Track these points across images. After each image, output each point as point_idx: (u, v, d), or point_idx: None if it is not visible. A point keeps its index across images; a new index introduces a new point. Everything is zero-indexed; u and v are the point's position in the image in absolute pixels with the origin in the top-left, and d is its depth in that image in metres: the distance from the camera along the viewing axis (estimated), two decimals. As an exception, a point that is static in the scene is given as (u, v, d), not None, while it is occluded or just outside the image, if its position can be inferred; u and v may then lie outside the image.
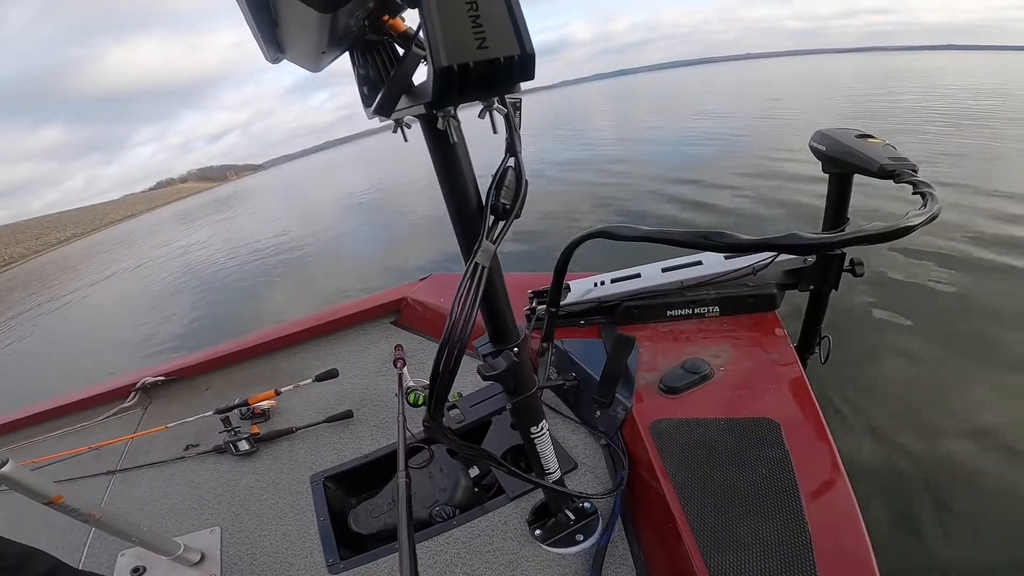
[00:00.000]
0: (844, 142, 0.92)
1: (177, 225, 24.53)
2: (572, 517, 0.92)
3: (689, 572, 0.73)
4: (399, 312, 1.80)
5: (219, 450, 1.46)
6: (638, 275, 1.24)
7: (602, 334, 1.20)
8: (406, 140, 0.59)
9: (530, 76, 0.37)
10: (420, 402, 1.26)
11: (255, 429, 1.48)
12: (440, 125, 0.47)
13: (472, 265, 0.51)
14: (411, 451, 1.25)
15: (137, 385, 1.80)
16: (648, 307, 1.18)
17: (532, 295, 1.31)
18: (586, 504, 0.94)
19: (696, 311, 1.16)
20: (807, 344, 1.19)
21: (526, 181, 0.52)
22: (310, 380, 1.53)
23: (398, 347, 1.58)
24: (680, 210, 5.55)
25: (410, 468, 1.17)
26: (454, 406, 0.78)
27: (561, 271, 1.02)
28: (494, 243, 0.51)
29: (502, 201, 0.51)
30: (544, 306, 1.20)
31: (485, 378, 0.65)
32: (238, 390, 1.66)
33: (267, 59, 0.60)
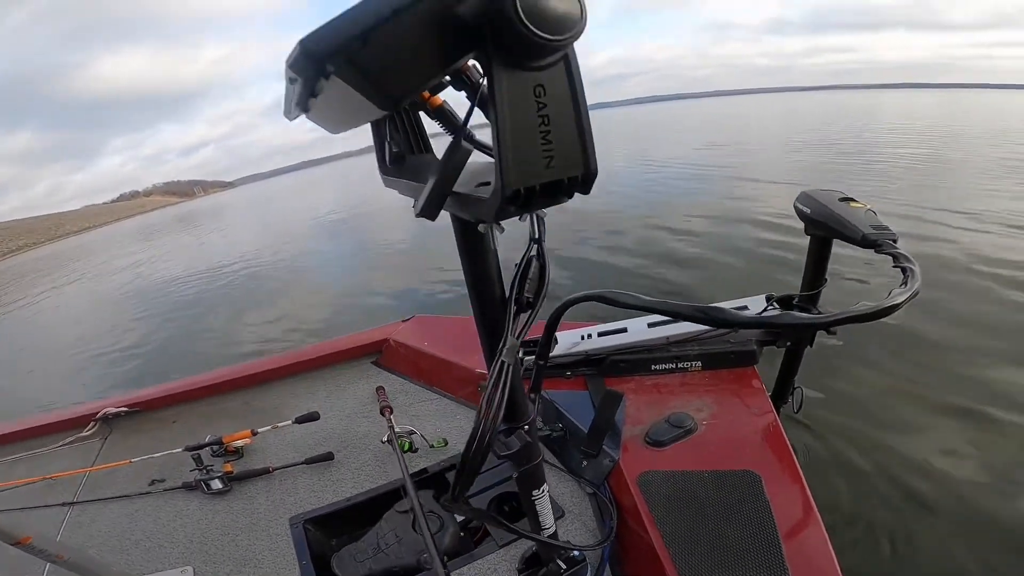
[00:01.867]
0: (828, 206, 0.96)
1: (136, 242, 23.69)
2: (563, 566, 0.92)
3: None
4: (380, 352, 1.78)
5: (188, 487, 1.40)
6: (624, 329, 1.27)
7: (588, 386, 1.22)
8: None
9: (587, 192, 0.37)
10: (408, 449, 1.25)
11: (228, 467, 1.43)
12: (482, 229, 0.46)
13: (499, 364, 0.51)
14: (394, 495, 1.23)
15: (97, 415, 1.72)
16: (634, 361, 1.21)
17: (526, 341, 1.31)
18: (575, 552, 0.95)
19: (680, 365, 1.20)
20: (781, 395, 1.24)
21: (549, 272, 0.53)
22: (290, 422, 1.49)
23: (380, 389, 1.55)
24: (649, 261, 5.43)
25: (396, 512, 1.16)
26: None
27: (552, 327, 1.04)
28: (518, 338, 0.52)
29: (526, 295, 0.52)
30: (531, 357, 1.21)
31: (499, 457, 0.66)
32: (208, 426, 1.60)
33: (286, 115, 0.60)
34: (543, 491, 0.76)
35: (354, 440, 1.47)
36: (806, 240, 1.06)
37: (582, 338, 1.28)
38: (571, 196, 0.37)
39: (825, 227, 0.97)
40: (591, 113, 0.37)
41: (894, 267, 0.78)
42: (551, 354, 1.16)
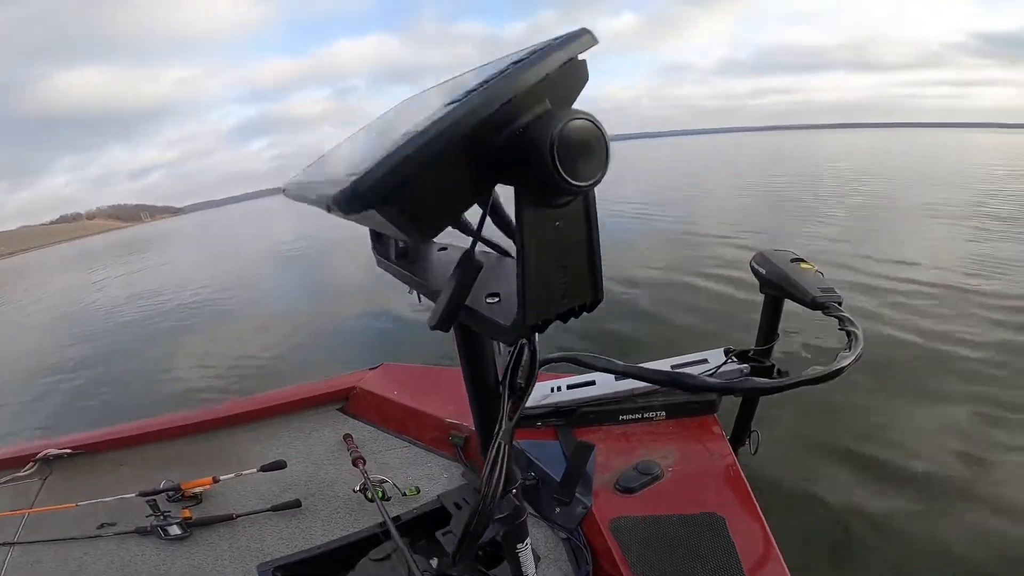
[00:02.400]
0: (781, 267, 1.04)
1: (73, 270, 22.29)
2: None
3: None
4: (347, 400, 1.76)
5: (143, 532, 1.32)
6: (593, 382, 1.32)
7: (559, 435, 1.26)
8: (419, 302, 0.61)
9: (591, 312, 0.39)
10: (380, 497, 1.24)
11: (186, 513, 1.36)
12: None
13: (496, 446, 0.54)
14: (368, 542, 1.21)
15: (37, 456, 1.60)
16: (602, 412, 1.27)
17: None
18: None
19: (645, 415, 1.26)
20: (739, 438, 1.31)
21: (538, 358, 0.56)
22: (254, 470, 1.45)
23: (348, 437, 1.53)
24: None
25: (371, 560, 1.14)
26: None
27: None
28: (512, 421, 0.55)
29: (518, 381, 0.55)
30: None
31: (493, 521, 0.68)
32: (161, 472, 1.52)
33: (285, 194, 0.62)
34: (526, 543, 0.79)
35: (322, 488, 1.44)
36: (752, 290, 1.15)
37: (552, 390, 1.32)
38: (578, 317, 0.39)
39: (778, 288, 1.04)
40: None
41: (839, 330, 0.85)
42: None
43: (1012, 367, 3.27)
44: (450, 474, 1.37)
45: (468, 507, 1.12)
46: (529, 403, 1.23)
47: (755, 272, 1.11)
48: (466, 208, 0.36)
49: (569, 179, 0.30)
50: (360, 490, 1.31)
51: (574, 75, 0.33)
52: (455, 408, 1.45)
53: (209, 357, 5.62)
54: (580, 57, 0.33)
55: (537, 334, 0.46)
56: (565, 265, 0.35)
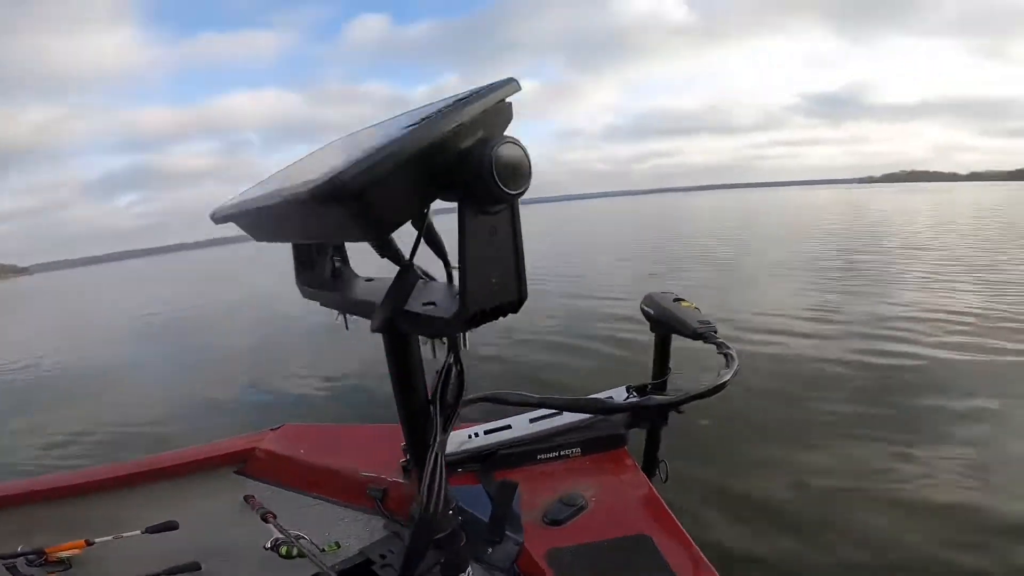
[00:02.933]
0: (665, 306, 1.17)
1: None
2: None
3: None
4: (244, 462, 1.59)
5: None
6: (509, 426, 1.34)
7: (480, 479, 1.25)
8: (347, 329, 0.62)
9: (516, 312, 0.45)
10: (293, 555, 1.13)
11: None
12: (422, 341, 0.52)
13: (432, 457, 0.55)
14: None
15: None
16: (520, 453, 1.28)
17: (405, 448, 1.31)
18: None
19: (562, 453, 1.29)
20: (650, 469, 1.39)
21: (466, 377, 0.60)
22: (138, 532, 1.24)
23: (250, 497, 1.39)
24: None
25: None
26: None
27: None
28: (446, 433, 0.57)
29: (448, 399, 0.58)
30: None
31: (434, 544, 0.68)
32: (18, 538, 1.26)
33: (212, 217, 0.61)
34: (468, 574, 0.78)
35: (225, 549, 1.26)
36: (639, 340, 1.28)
37: (469, 437, 1.32)
38: (506, 316, 0.45)
39: (665, 325, 1.17)
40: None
41: (719, 353, 0.98)
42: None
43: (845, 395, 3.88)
44: (371, 527, 1.29)
45: (394, 557, 1.09)
46: (448, 450, 1.23)
47: (644, 313, 1.23)
48: (413, 215, 0.42)
49: (504, 188, 0.37)
50: (272, 547, 1.18)
51: (504, 113, 0.41)
52: (369, 461, 1.39)
53: (73, 430, 4.88)
54: (507, 100, 0.41)
55: (468, 333, 0.51)
56: (496, 266, 0.41)
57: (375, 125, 0.58)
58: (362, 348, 5.70)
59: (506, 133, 0.40)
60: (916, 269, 9.53)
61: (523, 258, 0.43)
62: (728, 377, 0.86)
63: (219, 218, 0.60)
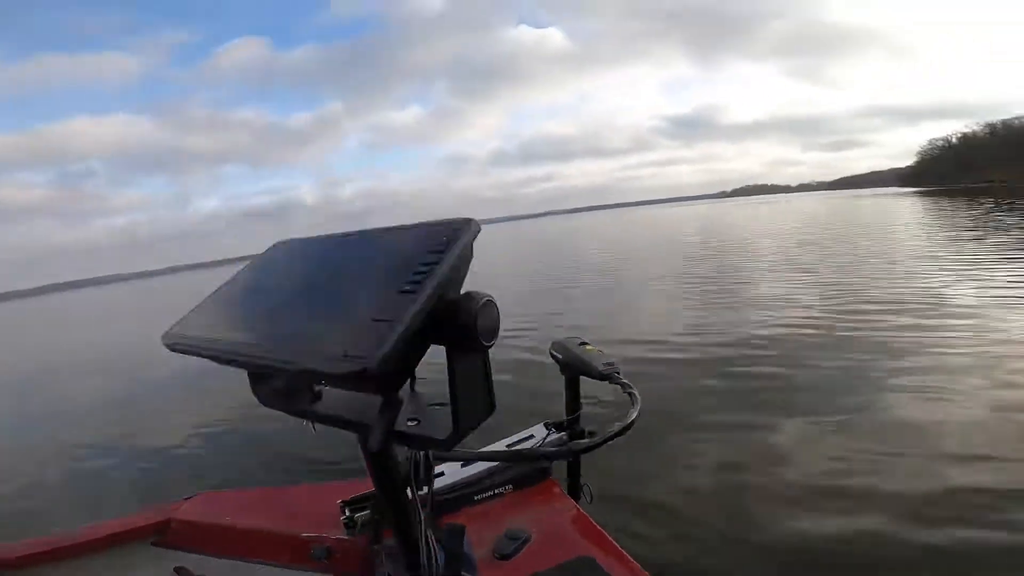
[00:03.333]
0: (573, 350, 1.31)
1: None
2: None
3: None
4: (162, 534, 1.47)
5: None
6: (442, 473, 1.41)
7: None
8: (315, 431, 0.66)
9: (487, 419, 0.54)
10: None
11: None
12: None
13: (424, 535, 0.65)
14: None
15: None
16: (459, 497, 1.37)
17: (343, 504, 1.35)
18: None
19: (496, 492, 1.40)
20: (575, 493, 1.53)
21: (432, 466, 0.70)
22: None
23: (181, 569, 1.30)
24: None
25: None
26: None
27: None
28: (428, 508, 0.67)
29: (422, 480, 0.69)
30: (361, 514, 1.27)
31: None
32: None
33: (165, 342, 0.61)
34: None
35: None
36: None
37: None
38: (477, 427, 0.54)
39: (574, 368, 1.31)
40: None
41: (624, 393, 1.12)
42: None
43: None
44: None
45: None
46: None
47: (554, 358, 1.36)
48: (416, 364, 0.49)
49: (484, 343, 0.47)
50: None
51: (469, 256, 0.50)
52: (307, 521, 1.38)
53: None
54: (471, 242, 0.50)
55: None
56: (477, 392, 0.51)
57: (341, 238, 0.64)
58: (236, 399, 5.35)
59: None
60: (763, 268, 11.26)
61: (492, 380, 0.53)
62: (634, 416, 1.01)
63: (178, 348, 0.59)
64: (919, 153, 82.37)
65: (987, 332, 5.41)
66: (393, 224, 0.59)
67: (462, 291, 0.48)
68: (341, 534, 1.32)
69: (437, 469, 1.43)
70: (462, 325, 0.46)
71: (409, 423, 0.56)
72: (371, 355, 0.39)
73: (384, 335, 0.40)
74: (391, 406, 0.52)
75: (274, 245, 0.72)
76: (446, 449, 0.53)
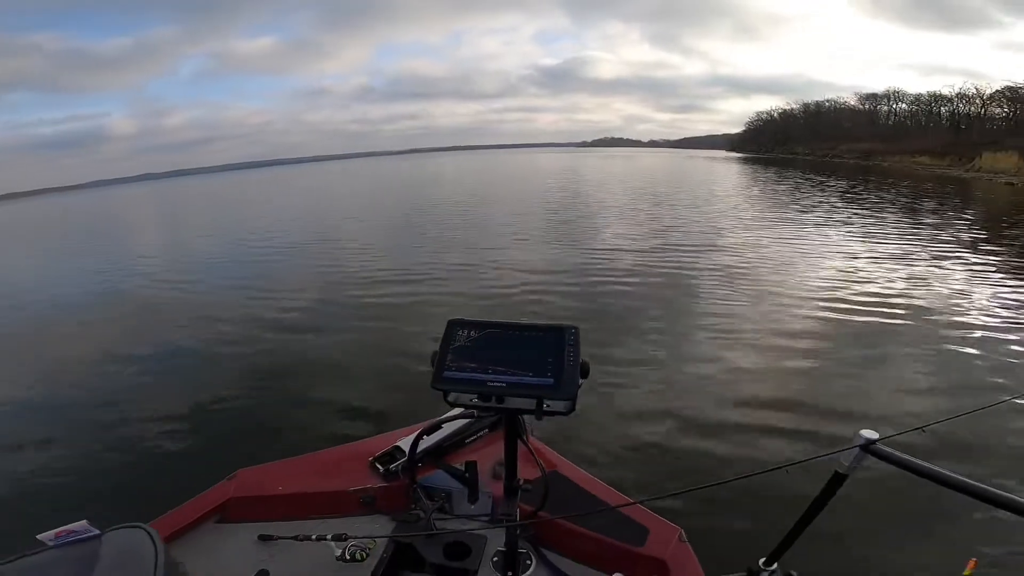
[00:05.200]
0: None
1: None
2: None
3: None
4: (223, 511, 1.64)
5: None
6: (440, 426, 1.69)
7: (438, 466, 1.65)
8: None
9: None
10: (364, 557, 1.42)
11: None
12: None
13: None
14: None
15: None
16: (456, 443, 1.77)
17: (373, 460, 1.67)
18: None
19: (479, 435, 1.83)
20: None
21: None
22: None
23: (264, 535, 1.52)
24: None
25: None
26: None
27: (414, 448, 1.53)
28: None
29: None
30: (396, 463, 1.65)
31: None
32: None
33: None
34: None
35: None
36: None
37: (420, 439, 1.60)
38: None
39: None
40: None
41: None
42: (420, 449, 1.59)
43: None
44: (378, 524, 1.57)
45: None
46: (427, 446, 1.68)
47: None
48: None
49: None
50: (345, 557, 1.42)
51: None
52: (347, 478, 1.65)
53: None
54: None
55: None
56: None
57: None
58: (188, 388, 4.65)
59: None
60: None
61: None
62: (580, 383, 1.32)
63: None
64: (747, 123, 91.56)
65: (765, 282, 7.27)
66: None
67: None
68: (381, 482, 1.63)
69: (433, 422, 1.69)
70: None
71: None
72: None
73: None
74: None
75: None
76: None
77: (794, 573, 1.18)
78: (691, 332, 5.44)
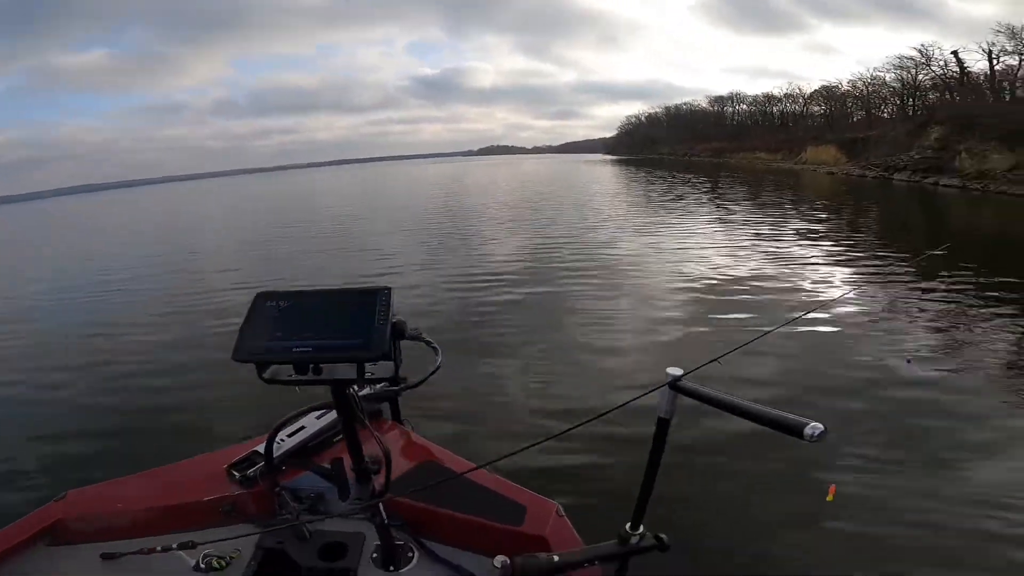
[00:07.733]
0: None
1: None
2: None
3: None
4: (54, 534, 1.42)
5: None
6: (303, 427, 1.69)
7: (306, 468, 1.61)
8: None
9: None
10: (223, 566, 1.33)
11: None
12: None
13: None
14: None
15: None
16: (323, 441, 1.70)
17: (230, 467, 1.55)
18: None
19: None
20: (400, 422, 1.95)
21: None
22: None
23: (107, 554, 1.37)
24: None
25: None
26: None
27: (269, 446, 1.46)
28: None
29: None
30: (252, 469, 1.54)
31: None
32: None
33: None
34: None
35: None
36: None
37: (279, 442, 1.57)
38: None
39: (395, 334, 1.63)
40: None
41: (427, 348, 1.31)
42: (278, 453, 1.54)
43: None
44: (238, 532, 1.48)
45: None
46: (277, 454, 1.65)
47: None
48: None
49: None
50: (201, 566, 1.34)
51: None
52: (202, 488, 1.57)
53: None
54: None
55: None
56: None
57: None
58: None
59: None
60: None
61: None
62: (439, 362, 1.36)
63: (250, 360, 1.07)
64: (619, 127, 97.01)
65: (638, 270, 8.14)
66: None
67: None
68: (241, 489, 1.54)
69: (299, 423, 1.70)
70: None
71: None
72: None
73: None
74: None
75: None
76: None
77: (663, 536, 1.12)
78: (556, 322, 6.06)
